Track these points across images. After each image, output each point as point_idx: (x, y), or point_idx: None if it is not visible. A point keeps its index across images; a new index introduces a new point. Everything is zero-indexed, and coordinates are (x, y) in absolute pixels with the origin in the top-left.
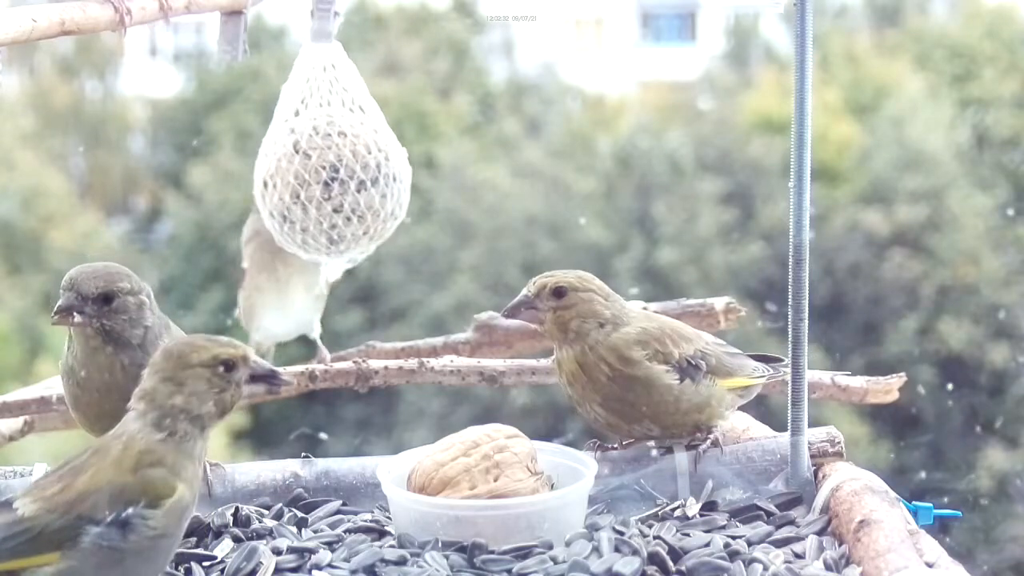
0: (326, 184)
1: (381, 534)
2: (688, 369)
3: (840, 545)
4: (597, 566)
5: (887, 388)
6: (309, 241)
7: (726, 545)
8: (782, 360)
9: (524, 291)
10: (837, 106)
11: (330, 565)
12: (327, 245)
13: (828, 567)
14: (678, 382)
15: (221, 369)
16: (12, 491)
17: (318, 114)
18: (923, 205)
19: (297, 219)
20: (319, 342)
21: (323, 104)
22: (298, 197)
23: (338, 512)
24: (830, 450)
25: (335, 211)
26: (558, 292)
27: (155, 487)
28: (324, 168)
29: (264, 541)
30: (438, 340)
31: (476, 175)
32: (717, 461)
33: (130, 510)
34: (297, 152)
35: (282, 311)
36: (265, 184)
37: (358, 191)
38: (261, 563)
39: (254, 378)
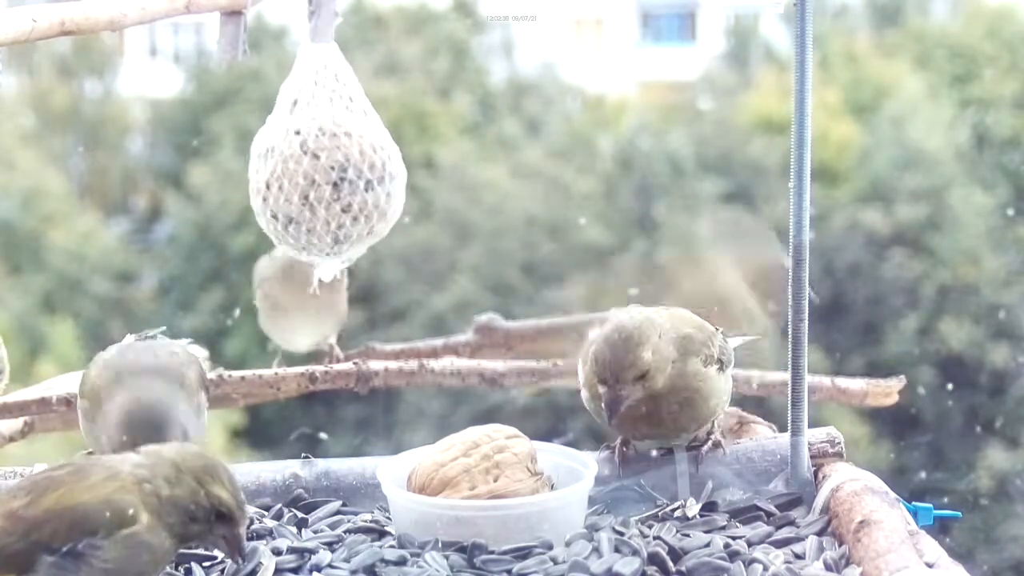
0: (335, 184)
1: (381, 534)
2: (722, 367)
3: (840, 545)
4: (597, 566)
5: (887, 391)
6: (314, 242)
7: (726, 545)
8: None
9: (612, 389)
10: (837, 106)
11: (330, 565)
12: (331, 245)
13: (828, 567)
14: (720, 381)
15: (212, 511)
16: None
17: (322, 114)
18: (923, 205)
19: (304, 220)
20: (334, 344)
21: (323, 104)
22: (307, 198)
23: (338, 512)
24: (830, 450)
25: (343, 211)
26: (642, 376)
27: (116, 513)
28: (333, 168)
29: (264, 541)
30: (438, 342)
31: (476, 175)
32: (717, 461)
33: (85, 541)
34: (305, 153)
35: (291, 344)
36: (268, 186)
37: (366, 190)
38: (261, 563)
39: (225, 538)
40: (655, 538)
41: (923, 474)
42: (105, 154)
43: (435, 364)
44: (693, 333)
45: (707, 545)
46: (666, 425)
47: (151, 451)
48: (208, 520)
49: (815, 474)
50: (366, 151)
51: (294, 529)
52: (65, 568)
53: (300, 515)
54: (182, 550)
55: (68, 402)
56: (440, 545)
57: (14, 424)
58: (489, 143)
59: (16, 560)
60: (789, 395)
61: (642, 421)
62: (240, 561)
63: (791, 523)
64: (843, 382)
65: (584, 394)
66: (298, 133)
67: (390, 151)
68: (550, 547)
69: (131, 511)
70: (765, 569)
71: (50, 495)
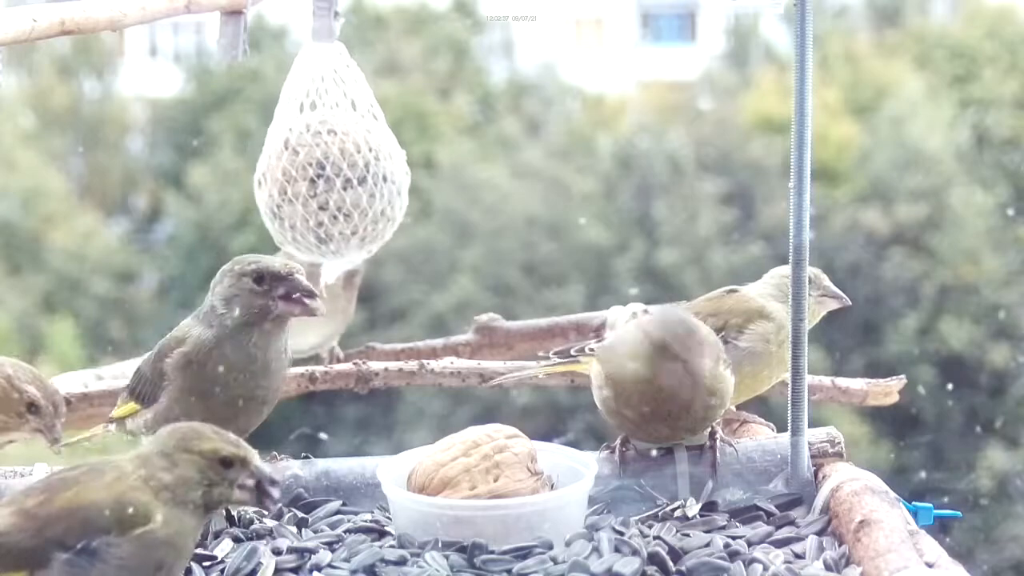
0: (312, 181)
1: (381, 534)
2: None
3: (840, 545)
4: (597, 566)
5: (887, 390)
6: (299, 239)
7: (726, 545)
8: None
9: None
10: (837, 106)
11: (330, 565)
12: (316, 244)
13: (828, 567)
14: (731, 384)
15: (218, 464)
16: (12, 491)
17: (311, 112)
18: (923, 204)
19: (286, 216)
20: (335, 344)
21: (322, 105)
22: (286, 193)
23: (338, 512)
24: (830, 450)
25: (320, 208)
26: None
27: (129, 511)
28: (311, 165)
29: (264, 541)
30: (438, 342)
31: (476, 175)
32: (718, 461)
33: (100, 538)
34: (287, 149)
35: (296, 341)
36: (259, 182)
37: (344, 189)
38: (261, 563)
39: (246, 484)
40: (655, 538)
41: (923, 474)
42: (105, 154)
43: (435, 364)
44: (714, 338)
45: (707, 545)
46: (686, 424)
47: (137, 453)
48: (221, 476)
49: (815, 474)
50: (348, 150)
51: (294, 529)
52: (79, 566)
53: (300, 515)
54: None
55: (68, 402)
56: (440, 545)
57: None
58: (489, 143)
59: (30, 557)
60: (789, 395)
61: (663, 420)
62: (276, 495)
63: (791, 523)
64: (843, 382)
65: (604, 392)
66: (289, 130)
67: (381, 152)
68: (550, 547)
69: (144, 509)
70: (765, 569)
71: (64, 493)
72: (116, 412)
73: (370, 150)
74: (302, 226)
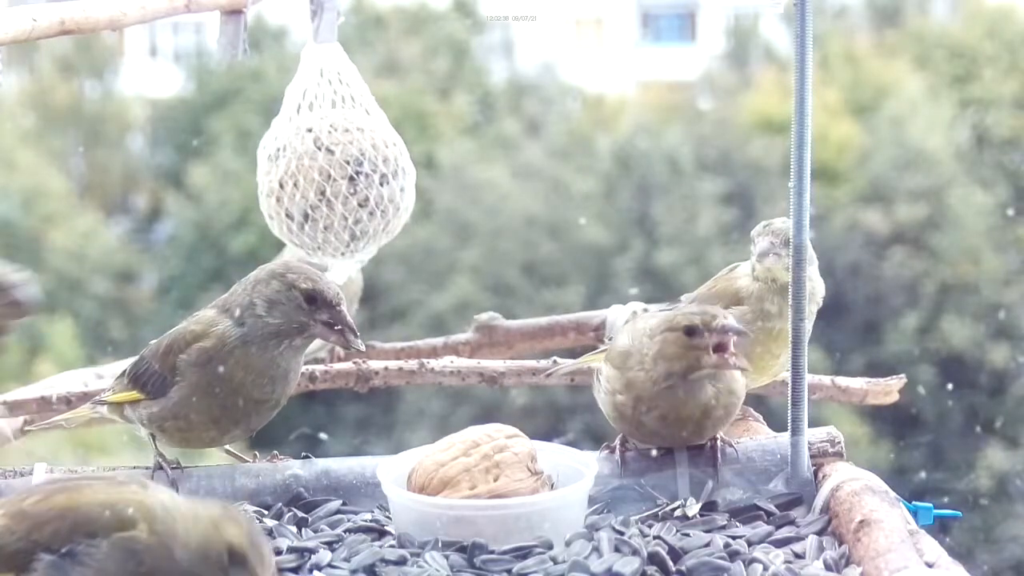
0: (351, 178)
1: (381, 534)
2: None
3: (840, 545)
4: (597, 566)
5: (887, 390)
6: (331, 239)
7: (726, 545)
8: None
9: (729, 320)
10: (837, 106)
11: (330, 565)
12: (348, 241)
13: (828, 567)
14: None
15: (227, 557)
16: (12, 491)
17: (331, 112)
18: (923, 204)
19: (321, 217)
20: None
21: (335, 103)
22: (323, 194)
23: (338, 512)
24: (830, 450)
25: (360, 205)
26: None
27: (116, 515)
28: (348, 162)
29: None
30: (438, 341)
31: (476, 175)
32: (718, 461)
33: (84, 543)
34: (319, 149)
35: None
36: (282, 186)
37: (381, 184)
38: None
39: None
40: (655, 538)
41: (923, 474)
42: (105, 154)
43: (435, 363)
44: None
45: (707, 545)
46: (707, 430)
47: (152, 502)
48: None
49: (815, 474)
50: (379, 145)
51: (294, 528)
52: (63, 569)
53: (300, 514)
54: None
55: (68, 401)
56: (440, 545)
57: (14, 423)
58: (489, 143)
59: (16, 559)
60: (789, 395)
61: (685, 430)
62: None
63: (791, 523)
64: (843, 381)
65: (619, 398)
66: (310, 131)
67: (400, 147)
68: (550, 547)
69: (130, 511)
70: (765, 569)
71: (58, 496)
72: (113, 396)
73: (395, 144)
74: (339, 225)
